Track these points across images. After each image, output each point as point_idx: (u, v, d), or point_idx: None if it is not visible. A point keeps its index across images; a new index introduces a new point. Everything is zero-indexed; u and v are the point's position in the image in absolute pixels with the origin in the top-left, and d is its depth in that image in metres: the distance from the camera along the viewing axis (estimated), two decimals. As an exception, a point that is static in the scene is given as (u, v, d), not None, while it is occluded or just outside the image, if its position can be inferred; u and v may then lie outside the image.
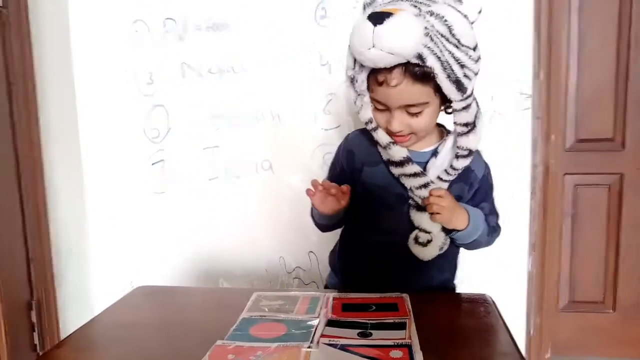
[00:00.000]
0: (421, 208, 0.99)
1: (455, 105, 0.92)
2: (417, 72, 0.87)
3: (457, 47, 0.88)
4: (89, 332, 0.93)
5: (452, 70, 0.87)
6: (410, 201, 1.01)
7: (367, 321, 0.90)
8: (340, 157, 1.12)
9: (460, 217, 0.98)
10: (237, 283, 1.84)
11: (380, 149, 1.01)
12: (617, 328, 1.95)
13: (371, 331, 0.86)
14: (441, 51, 0.86)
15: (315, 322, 0.91)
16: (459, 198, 1.01)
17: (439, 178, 0.99)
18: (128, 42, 1.77)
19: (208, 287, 1.12)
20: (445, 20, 0.87)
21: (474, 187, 1.05)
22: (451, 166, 0.98)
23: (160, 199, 1.84)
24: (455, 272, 1.17)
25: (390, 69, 0.88)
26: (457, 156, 0.98)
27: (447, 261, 1.12)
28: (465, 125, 0.95)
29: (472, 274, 1.76)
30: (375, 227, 1.07)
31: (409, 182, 0.98)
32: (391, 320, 0.90)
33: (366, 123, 0.98)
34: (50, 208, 1.68)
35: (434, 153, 1.01)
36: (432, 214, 0.97)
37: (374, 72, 0.91)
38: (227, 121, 1.78)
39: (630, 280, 1.93)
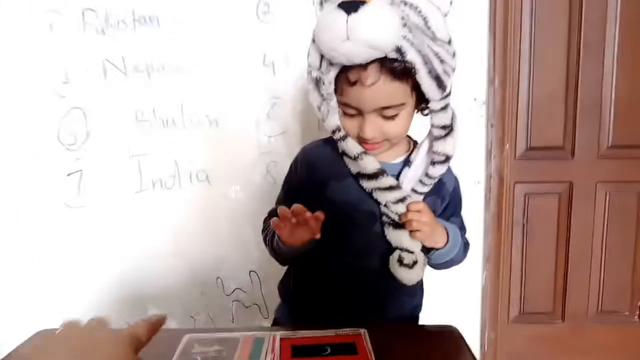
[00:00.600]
0: (398, 226, 0.88)
1: (434, 105, 0.83)
2: (397, 67, 0.77)
3: (433, 40, 0.78)
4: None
5: (433, 66, 0.78)
6: (385, 218, 0.89)
7: (322, 370, 0.76)
8: (299, 171, 0.99)
9: (440, 234, 0.90)
10: (169, 309, 1.64)
11: (348, 161, 0.89)
12: (566, 338, 1.93)
13: (328, 384, 0.72)
14: (421, 45, 0.77)
15: (259, 374, 0.76)
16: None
17: (414, 191, 0.89)
18: (40, 35, 1.52)
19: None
20: (420, 11, 0.77)
21: (445, 200, 0.96)
22: (427, 174, 0.88)
23: (77, 214, 1.60)
24: (423, 296, 1.06)
25: (364, 66, 0.77)
26: (433, 163, 0.87)
27: (418, 285, 0.99)
28: (443, 127, 0.85)
29: (425, 292, 1.68)
30: (343, 249, 0.94)
31: (383, 197, 0.87)
32: (350, 367, 0.77)
33: (333, 132, 0.86)
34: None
35: (406, 163, 0.91)
36: (411, 231, 0.86)
37: (344, 71, 0.79)
38: (156, 126, 1.58)
39: (579, 289, 1.91)
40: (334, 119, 0.85)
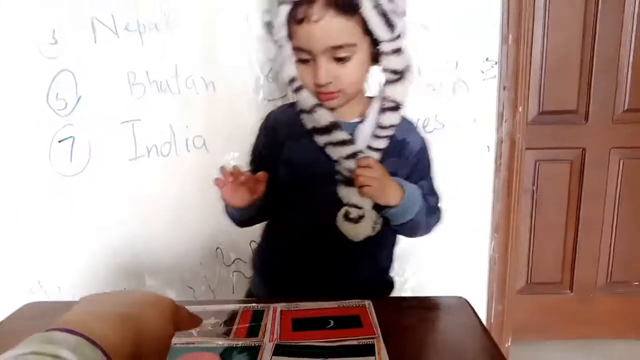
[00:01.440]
0: (350, 182, 0.86)
1: (385, 46, 0.82)
2: (340, 0, 0.77)
3: None
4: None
5: (378, 1, 0.78)
6: (338, 176, 0.88)
7: (325, 345, 0.71)
8: (261, 135, 1.00)
9: (393, 191, 0.86)
10: (166, 279, 1.59)
11: (304, 117, 0.88)
12: (573, 308, 1.90)
13: (330, 360, 0.67)
14: None
15: (259, 349, 0.71)
16: (393, 174, 0.88)
17: (370, 147, 0.88)
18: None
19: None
20: None
21: (410, 161, 0.93)
22: (379, 126, 0.87)
23: (70, 183, 1.54)
24: (392, 264, 1.03)
25: (310, 2, 0.77)
26: (383, 109, 0.87)
27: (382, 249, 0.99)
28: (394, 72, 0.85)
29: (430, 261, 1.63)
30: (300, 210, 0.93)
31: (336, 152, 0.86)
32: (355, 342, 0.72)
33: (289, 83, 0.86)
34: None
35: (362, 119, 0.89)
36: (360, 187, 0.84)
37: (292, 12, 0.79)
38: (150, 90, 1.50)
39: (588, 258, 1.86)
40: (288, 69, 0.84)
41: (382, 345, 0.71)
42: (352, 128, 0.89)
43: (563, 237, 1.85)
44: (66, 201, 1.55)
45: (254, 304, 0.85)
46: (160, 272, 1.60)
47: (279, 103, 1.50)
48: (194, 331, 0.76)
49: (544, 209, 1.82)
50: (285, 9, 0.79)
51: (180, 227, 1.57)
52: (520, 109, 1.50)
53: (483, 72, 1.51)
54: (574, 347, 1.87)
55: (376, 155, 0.87)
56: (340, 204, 0.88)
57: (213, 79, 1.50)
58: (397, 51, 0.83)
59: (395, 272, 1.63)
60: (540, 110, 1.73)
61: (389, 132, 0.88)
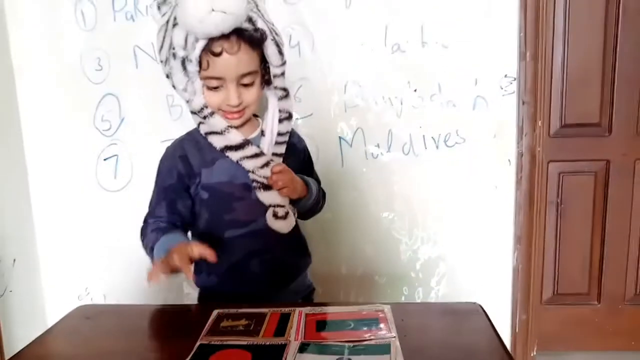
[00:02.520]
0: (267, 187, 1.01)
1: (276, 70, 0.99)
2: (252, 36, 0.92)
3: (273, 25, 0.98)
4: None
5: (274, 35, 0.96)
6: (254, 184, 1.02)
7: (345, 344, 0.78)
8: (172, 164, 1.07)
9: (301, 186, 1.05)
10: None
11: (214, 139, 1.00)
12: (601, 320, 1.89)
13: (350, 357, 0.74)
14: (264, 16, 0.95)
15: (285, 347, 0.78)
16: (294, 172, 1.05)
17: (274, 154, 1.04)
18: (71, 23, 1.57)
19: (161, 305, 0.99)
20: None
21: (301, 159, 1.14)
22: (278, 133, 1.04)
23: (114, 198, 1.66)
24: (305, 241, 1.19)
25: (226, 37, 0.90)
26: (280, 120, 1.04)
27: (299, 238, 1.15)
28: (283, 89, 1.03)
29: (455, 271, 1.68)
30: (231, 223, 1.05)
31: (250, 164, 1.00)
32: (373, 342, 0.79)
33: (199, 111, 0.99)
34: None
35: (262, 133, 1.04)
36: (279, 189, 1.00)
37: (206, 47, 0.91)
38: (186, 111, 1.59)
39: (616, 270, 1.86)
40: (199, 99, 0.97)
41: (398, 345, 0.77)
42: (257, 142, 1.03)
43: (589, 248, 1.86)
44: (110, 215, 1.67)
45: (281, 308, 0.93)
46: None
47: (307, 121, 1.59)
48: (227, 330, 0.85)
49: (569, 221, 1.84)
50: (201, 44, 0.90)
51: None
52: (539, 123, 1.55)
53: (502, 88, 1.56)
54: (602, 358, 1.86)
55: (279, 160, 1.04)
56: (262, 207, 1.02)
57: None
58: (283, 73, 1.02)
59: (421, 282, 1.69)
60: (563, 123, 1.76)
61: (286, 138, 1.06)
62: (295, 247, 1.14)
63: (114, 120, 1.63)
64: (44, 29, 1.59)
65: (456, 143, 1.60)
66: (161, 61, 0.98)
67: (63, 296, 1.71)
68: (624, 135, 1.76)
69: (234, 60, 0.92)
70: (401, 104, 1.59)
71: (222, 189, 1.04)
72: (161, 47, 0.96)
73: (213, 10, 0.85)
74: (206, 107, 0.98)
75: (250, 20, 0.91)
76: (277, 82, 1.02)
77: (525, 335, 1.68)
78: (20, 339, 1.54)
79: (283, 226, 1.03)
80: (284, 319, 0.88)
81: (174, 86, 0.99)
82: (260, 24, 0.93)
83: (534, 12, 1.51)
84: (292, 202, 1.06)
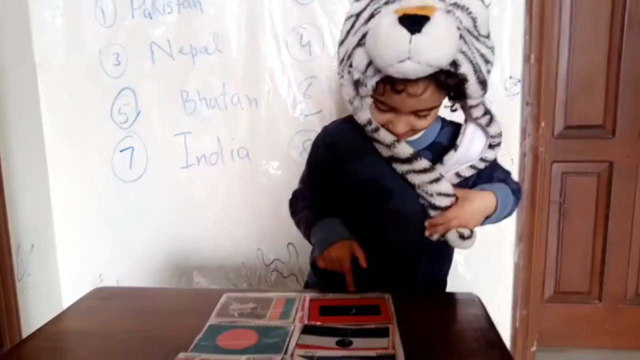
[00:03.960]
0: (436, 208, 0.92)
1: (473, 102, 0.85)
2: (449, 82, 0.79)
3: (478, 40, 0.80)
4: (33, 343, 0.84)
5: (481, 71, 0.80)
6: (422, 200, 0.93)
7: (347, 327, 0.83)
8: (320, 152, 1.05)
9: (486, 207, 0.93)
10: (212, 277, 1.75)
11: (380, 147, 0.93)
12: (602, 318, 1.92)
13: (351, 339, 0.79)
14: (472, 53, 0.78)
15: (290, 328, 0.83)
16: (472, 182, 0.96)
17: (457, 175, 0.93)
18: (91, 20, 1.64)
19: (172, 289, 1.04)
20: (470, 12, 0.78)
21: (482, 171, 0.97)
22: (481, 159, 0.93)
23: (129, 188, 1.73)
24: (443, 268, 1.10)
25: (415, 80, 0.78)
26: (491, 146, 0.92)
27: (447, 251, 1.06)
28: (485, 114, 0.88)
29: (457, 267, 1.72)
30: (359, 223, 0.99)
31: (417, 179, 0.91)
32: (373, 326, 0.83)
33: (364, 125, 0.89)
34: (9, 200, 1.55)
35: (454, 147, 0.92)
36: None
37: (390, 78, 0.79)
38: (200, 106, 1.67)
39: (617, 270, 1.89)
40: (366, 113, 0.87)
41: (396, 329, 0.82)
42: (420, 145, 0.93)
43: (591, 248, 1.89)
44: (125, 204, 1.74)
45: (287, 293, 0.98)
46: (207, 270, 1.76)
47: (315, 118, 1.64)
48: (235, 313, 0.90)
49: (571, 220, 1.87)
50: (381, 75, 0.79)
51: (225, 229, 1.72)
52: (543, 124, 1.58)
53: (507, 89, 1.60)
54: (601, 356, 1.90)
55: (456, 180, 0.93)
56: (400, 218, 0.95)
57: (256, 96, 1.65)
58: (482, 103, 0.87)
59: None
60: (567, 124, 1.79)
61: (484, 165, 0.93)
62: (423, 272, 1.03)
63: (131, 114, 1.69)
64: (65, 26, 1.66)
65: (461, 142, 1.64)
66: (339, 59, 0.88)
67: (78, 281, 1.78)
68: (628, 137, 1.79)
69: (413, 101, 0.82)
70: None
71: (361, 187, 0.97)
72: (342, 42, 0.86)
73: (409, 59, 0.72)
74: (371, 122, 0.88)
75: (454, 63, 0.76)
76: (476, 112, 0.87)
77: (526, 330, 1.72)
78: (37, 320, 1.61)
79: (468, 245, 0.94)
80: (289, 304, 0.93)
81: (341, 91, 0.89)
82: (463, 69, 0.77)
83: (539, 15, 1.55)
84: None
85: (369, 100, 0.86)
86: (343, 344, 0.78)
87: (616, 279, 1.90)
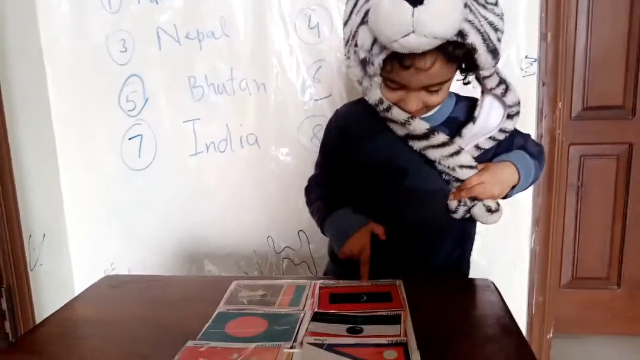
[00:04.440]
0: (460, 180, 0.90)
1: (486, 72, 0.83)
2: (457, 53, 0.77)
3: (485, 7, 0.77)
4: (45, 329, 0.84)
5: (490, 40, 0.77)
6: (445, 176, 0.91)
7: (357, 314, 0.81)
8: (333, 135, 1.04)
9: (508, 177, 0.91)
10: (223, 264, 1.74)
11: (395, 127, 0.91)
12: (621, 304, 1.89)
13: (362, 326, 0.78)
14: (479, 21, 0.75)
15: (299, 315, 0.81)
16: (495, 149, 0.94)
17: (477, 147, 0.91)
18: (97, 6, 1.61)
19: (182, 276, 1.03)
20: None
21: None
22: (500, 130, 0.90)
23: (138, 176, 1.71)
24: (464, 251, 1.08)
25: (422, 53, 0.75)
26: (510, 116, 0.90)
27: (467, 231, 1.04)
28: (500, 84, 0.87)
29: (474, 253, 1.68)
30: (373, 206, 0.97)
31: (436, 154, 0.89)
32: (384, 313, 0.82)
33: (375, 105, 0.87)
34: (20, 189, 1.55)
35: (472, 119, 0.90)
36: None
37: (397, 54, 0.77)
38: (208, 92, 1.65)
39: (636, 255, 1.85)
40: (376, 93, 0.86)
41: (408, 315, 0.80)
42: (436, 120, 0.91)
43: (610, 232, 1.84)
44: (135, 193, 1.73)
45: (297, 280, 0.96)
46: (218, 258, 1.75)
47: (325, 102, 1.61)
48: (245, 300, 0.88)
49: (589, 204, 1.82)
50: (387, 52, 0.77)
51: (235, 217, 1.71)
52: (560, 104, 1.53)
53: (522, 69, 1.55)
54: (620, 343, 1.86)
55: (476, 153, 0.91)
56: (416, 198, 0.94)
57: (264, 81, 1.62)
58: (496, 73, 0.86)
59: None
60: (585, 105, 1.74)
61: (504, 136, 0.91)
62: (440, 254, 1.01)
63: (139, 101, 1.67)
64: (71, 12, 1.64)
65: (475, 124, 1.60)
66: (344, 39, 0.86)
67: (90, 270, 1.78)
68: (649, 118, 1.73)
69: (424, 76, 0.80)
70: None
71: (375, 167, 0.96)
72: (346, 22, 0.84)
73: (413, 32, 0.70)
74: (382, 102, 0.86)
75: (460, 33, 0.74)
76: (489, 82, 0.85)
77: (542, 317, 1.69)
78: (49, 309, 1.62)
79: (497, 218, 0.93)
80: (299, 291, 0.91)
81: (348, 66, 0.86)
82: (471, 38, 0.75)
83: (556, -9, 1.49)
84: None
85: (378, 79, 0.84)
86: (354, 331, 0.76)
87: (635, 264, 1.85)
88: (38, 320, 1.56)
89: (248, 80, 1.63)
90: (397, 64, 0.79)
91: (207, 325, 0.79)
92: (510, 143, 0.96)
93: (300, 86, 1.61)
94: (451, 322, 0.81)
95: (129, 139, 1.70)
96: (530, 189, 1.64)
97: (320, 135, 1.13)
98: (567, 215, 1.82)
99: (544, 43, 1.52)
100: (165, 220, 1.74)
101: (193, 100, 1.65)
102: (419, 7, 0.69)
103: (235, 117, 1.66)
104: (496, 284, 0.96)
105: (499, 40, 0.80)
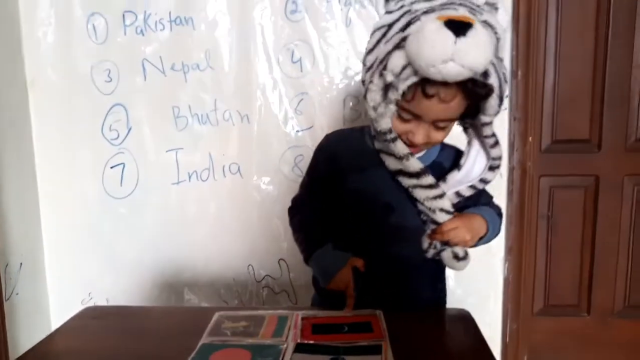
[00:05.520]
0: (437, 223, 0.94)
1: (487, 119, 0.89)
2: (478, 91, 0.82)
3: (501, 60, 0.84)
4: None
5: (503, 87, 0.84)
6: (423, 216, 0.96)
7: (339, 345, 0.83)
8: (321, 160, 1.07)
9: (479, 228, 0.96)
10: (203, 293, 1.74)
11: (390, 161, 0.94)
12: (592, 332, 1.94)
13: (344, 357, 0.80)
14: (499, 67, 0.82)
15: (282, 347, 0.83)
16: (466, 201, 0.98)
17: (457, 194, 0.96)
18: (83, 36, 1.64)
19: (165, 307, 1.04)
20: (496, 32, 0.81)
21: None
22: (481, 179, 0.96)
23: (120, 204, 1.72)
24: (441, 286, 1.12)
25: (446, 83, 0.79)
26: (491, 168, 0.95)
27: (438, 274, 1.08)
28: (493, 135, 0.93)
29: (448, 282, 1.72)
30: (358, 237, 1.01)
31: (422, 194, 0.93)
32: (365, 343, 0.84)
33: (383, 133, 0.89)
34: (-1, 216, 1.55)
35: (457, 167, 0.96)
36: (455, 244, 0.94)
37: (422, 83, 0.81)
38: (192, 122, 1.68)
39: (605, 283, 1.91)
40: (387, 121, 0.88)
41: (389, 346, 0.82)
42: (424, 161, 0.94)
43: (579, 261, 1.90)
44: (116, 221, 1.73)
45: (279, 311, 0.98)
46: (198, 287, 1.75)
47: (307, 134, 1.65)
48: (228, 332, 0.90)
49: (560, 234, 1.89)
50: (416, 79, 0.80)
51: (216, 246, 1.72)
52: (530, 138, 1.61)
53: (495, 105, 1.62)
54: (591, 369, 1.91)
55: (456, 199, 0.95)
56: (400, 234, 0.98)
57: (248, 112, 1.67)
58: (491, 122, 0.90)
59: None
60: (554, 139, 1.82)
61: (484, 186, 0.98)
62: (422, 288, 1.06)
63: (122, 130, 1.69)
64: (57, 42, 1.66)
65: (450, 157, 1.66)
66: (363, 64, 0.90)
67: (67, 299, 1.76)
68: (613, 151, 1.82)
69: (442, 108, 0.84)
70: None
71: (362, 200, 0.99)
72: (371, 50, 0.88)
73: (452, 61, 0.75)
74: (391, 132, 0.88)
75: (485, 73, 0.79)
76: (486, 130, 0.91)
77: (516, 344, 1.73)
78: (24, 340, 1.59)
79: (462, 266, 0.96)
80: (282, 322, 0.94)
81: (365, 97, 0.88)
82: (491, 80, 0.80)
83: (525, 32, 1.58)
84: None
85: (393, 108, 0.86)
86: (336, 362, 0.78)
87: (604, 291, 1.91)
88: (12, 352, 1.53)
89: (232, 111, 1.67)
90: (420, 92, 0.83)
91: (191, 356, 0.81)
92: (478, 199, 1.01)
93: (282, 118, 1.66)
94: (430, 352, 0.84)
95: (111, 167, 1.71)
96: (503, 219, 1.71)
97: (303, 165, 1.15)
98: (539, 244, 1.88)
99: (514, 80, 1.60)
100: (146, 249, 1.74)
101: (177, 130, 1.68)
102: (462, 38, 0.74)
103: (218, 147, 1.69)
104: (472, 313, 1.00)
105: (505, 91, 0.86)
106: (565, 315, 1.94)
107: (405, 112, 0.87)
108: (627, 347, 1.93)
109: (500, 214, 1.05)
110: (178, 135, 1.68)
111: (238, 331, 0.90)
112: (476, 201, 1.01)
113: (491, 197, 1.07)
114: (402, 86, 0.82)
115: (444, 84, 0.79)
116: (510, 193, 1.69)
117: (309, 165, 1.11)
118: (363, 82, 0.90)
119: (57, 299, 1.79)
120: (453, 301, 1.71)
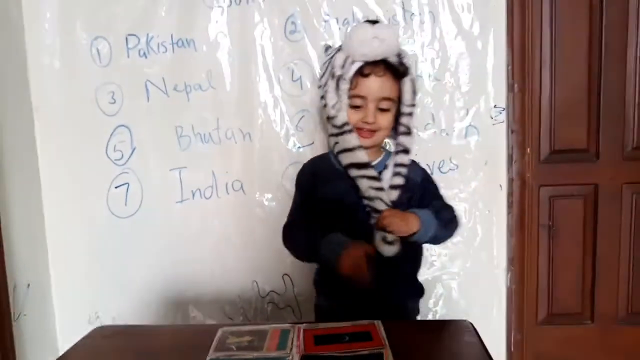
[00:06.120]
0: (378, 212, 1.10)
1: (405, 109, 1.14)
2: (397, 68, 1.10)
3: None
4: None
5: (413, 74, 1.14)
6: (367, 209, 1.12)
7: (342, 354, 0.85)
8: (306, 176, 1.24)
9: (412, 223, 1.08)
10: (208, 310, 1.76)
11: (344, 156, 1.13)
12: (596, 340, 1.93)
13: (347, 367, 0.81)
14: (408, 58, 1.14)
15: (288, 359, 0.85)
16: (409, 204, 1.14)
17: (392, 187, 1.13)
18: (87, 60, 1.69)
19: (172, 325, 1.06)
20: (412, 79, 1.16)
21: (415, 193, 1.18)
22: (395, 164, 1.15)
23: (124, 223, 1.75)
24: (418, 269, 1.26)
25: (376, 64, 1.09)
26: (396, 152, 1.16)
27: (410, 260, 1.21)
28: (407, 127, 1.16)
29: (451, 293, 1.74)
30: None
31: (365, 184, 1.11)
32: (366, 352, 0.86)
33: (341, 126, 1.12)
34: (6, 239, 1.56)
35: (385, 166, 1.16)
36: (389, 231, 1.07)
37: (359, 69, 1.09)
38: (195, 141, 1.71)
39: (607, 290, 1.91)
40: (343, 115, 1.12)
41: (390, 353, 0.84)
42: (378, 168, 1.15)
43: (581, 269, 1.91)
44: (121, 240, 1.75)
45: (281, 325, 1.00)
46: (203, 304, 1.76)
47: (308, 150, 1.68)
48: (233, 346, 0.92)
49: (561, 243, 1.90)
50: (355, 66, 1.09)
51: (220, 262, 1.74)
52: (528, 150, 1.63)
53: (492, 118, 1.66)
54: (597, 377, 1.90)
55: (395, 193, 1.13)
56: (366, 225, 1.11)
57: (250, 130, 1.70)
58: (411, 114, 1.16)
59: (420, 303, 1.75)
60: (552, 149, 1.84)
61: (403, 170, 1.15)
62: (398, 271, 1.16)
63: (126, 150, 1.72)
64: (62, 68, 1.71)
65: (450, 169, 1.69)
66: (319, 86, 1.17)
67: (74, 319, 1.78)
68: (611, 160, 1.83)
69: (378, 82, 1.10)
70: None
71: (335, 203, 1.15)
72: (322, 74, 1.16)
73: (375, 37, 1.06)
74: (347, 124, 1.12)
75: (399, 55, 1.10)
76: (403, 119, 1.15)
77: (521, 354, 1.73)
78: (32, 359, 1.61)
79: (390, 250, 1.10)
80: (285, 335, 0.95)
81: (325, 105, 1.13)
82: (406, 60, 1.12)
83: (520, 47, 1.62)
84: (406, 237, 1.09)
85: (346, 100, 1.11)
86: (340, 373, 0.80)
87: (607, 299, 1.92)
88: (21, 372, 1.54)
89: (234, 130, 1.70)
90: (360, 77, 1.09)
91: (199, 371, 0.82)
92: (429, 204, 1.15)
93: (284, 135, 1.69)
94: (431, 361, 0.85)
95: (116, 187, 1.74)
96: (504, 230, 1.73)
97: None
98: (541, 254, 1.89)
99: (511, 93, 1.63)
100: (151, 267, 1.76)
101: (180, 149, 1.71)
102: (376, 24, 1.08)
103: (221, 165, 1.72)
104: (475, 324, 1.01)
105: (417, 89, 1.16)
106: (569, 323, 1.94)
107: (354, 98, 1.11)
108: (631, 354, 1.92)
109: (449, 221, 1.16)
110: (181, 155, 1.72)
111: (243, 345, 0.92)
112: (426, 206, 1.14)
113: (447, 207, 1.19)
114: (349, 74, 1.09)
115: (374, 64, 1.08)
116: (510, 204, 1.71)
117: (296, 190, 1.25)
118: (322, 97, 1.15)
119: (63, 319, 1.81)
120: (457, 312, 1.74)
